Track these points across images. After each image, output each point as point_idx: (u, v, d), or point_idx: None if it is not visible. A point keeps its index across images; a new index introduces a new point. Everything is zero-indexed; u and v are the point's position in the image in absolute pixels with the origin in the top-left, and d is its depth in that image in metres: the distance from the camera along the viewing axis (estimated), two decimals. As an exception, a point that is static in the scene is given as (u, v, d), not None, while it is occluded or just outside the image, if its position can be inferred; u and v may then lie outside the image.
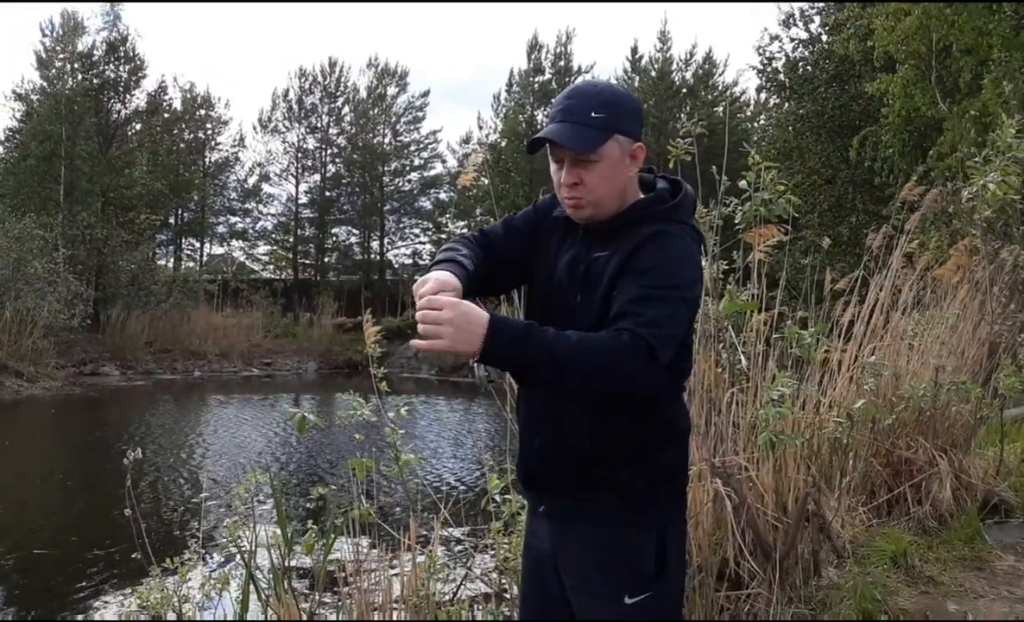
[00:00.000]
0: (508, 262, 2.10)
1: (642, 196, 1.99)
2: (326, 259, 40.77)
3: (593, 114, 1.86)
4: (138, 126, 32.96)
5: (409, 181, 41.13)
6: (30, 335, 21.56)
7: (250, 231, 40.37)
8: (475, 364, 1.84)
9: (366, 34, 65.33)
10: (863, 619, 3.44)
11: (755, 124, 35.00)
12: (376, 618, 3.40)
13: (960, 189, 5.68)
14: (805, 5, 22.87)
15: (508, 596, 3.74)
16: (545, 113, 36.80)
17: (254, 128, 47.64)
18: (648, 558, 1.92)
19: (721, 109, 32.99)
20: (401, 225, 41.86)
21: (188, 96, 37.14)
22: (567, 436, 1.94)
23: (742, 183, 3.59)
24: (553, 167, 1.94)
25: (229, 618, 3.51)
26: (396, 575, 3.63)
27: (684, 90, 37.85)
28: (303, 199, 39.92)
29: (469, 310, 1.69)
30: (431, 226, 41.69)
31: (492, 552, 3.89)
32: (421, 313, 1.71)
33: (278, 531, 3.45)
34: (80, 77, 29.89)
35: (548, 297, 2.01)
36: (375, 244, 41.38)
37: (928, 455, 4.79)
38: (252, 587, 3.43)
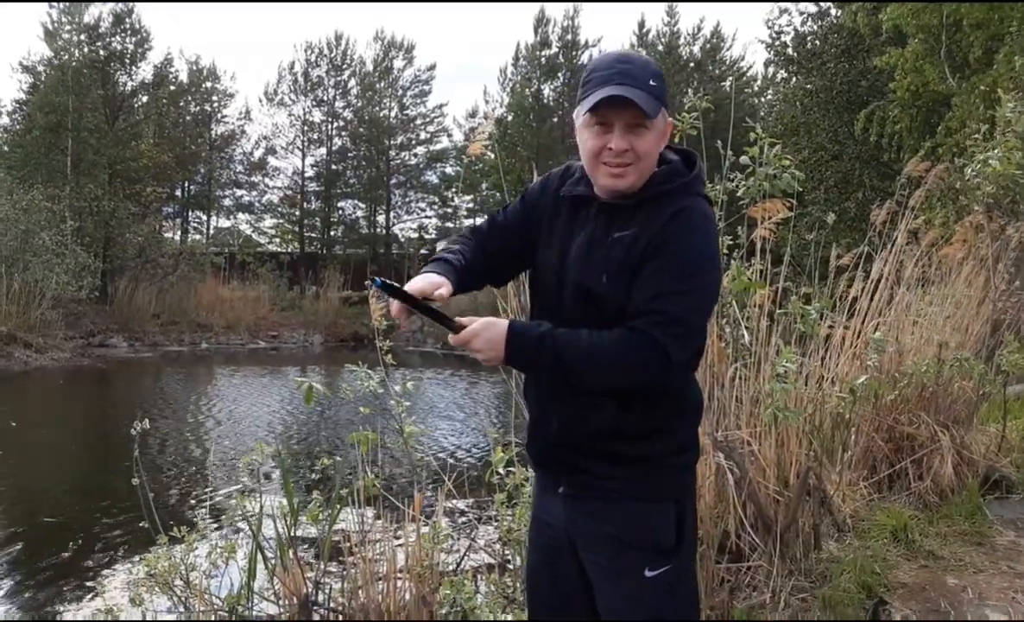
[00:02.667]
0: (503, 254, 2.13)
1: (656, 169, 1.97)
2: (332, 232, 40.76)
3: (651, 82, 1.86)
4: (144, 98, 32.79)
5: (415, 155, 41.04)
6: (38, 306, 21.64)
7: (256, 204, 40.35)
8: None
9: (373, 8, 64.93)
10: (863, 592, 3.47)
11: (762, 99, 34.75)
12: (380, 587, 3.44)
13: (966, 165, 5.67)
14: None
15: (511, 567, 3.78)
16: (553, 87, 36.64)
17: (260, 101, 47.62)
18: (668, 531, 1.94)
19: (728, 84, 32.76)
20: (407, 199, 41.78)
21: (194, 68, 37.00)
22: (584, 413, 1.94)
23: (743, 159, 3.59)
24: (592, 132, 1.90)
25: (235, 586, 3.55)
26: (400, 546, 3.66)
27: (691, 64, 37.59)
28: (309, 172, 39.89)
29: (491, 325, 1.83)
30: (437, 200, 41.64)
31: (496, 523, 3.93)
32: (457, 341, 1.85)
33: (284, 501, 3.49)
34: (86, 49, 29.76)
35: (560, 278, 1.99)
36: (381, 218, 41.35)
37: (930, 431, 4.81)
38: (258, 556, 3.47)
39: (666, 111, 1.91)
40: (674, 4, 38.15)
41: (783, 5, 22.72)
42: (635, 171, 1.89)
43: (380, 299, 1.88)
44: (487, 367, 2.03)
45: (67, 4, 29.43)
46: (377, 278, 1.83)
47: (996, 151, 4.71)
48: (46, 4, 30.95)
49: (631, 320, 1.81)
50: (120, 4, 30.34)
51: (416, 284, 1.88)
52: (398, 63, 40.10)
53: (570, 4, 40.50)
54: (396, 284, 1.84)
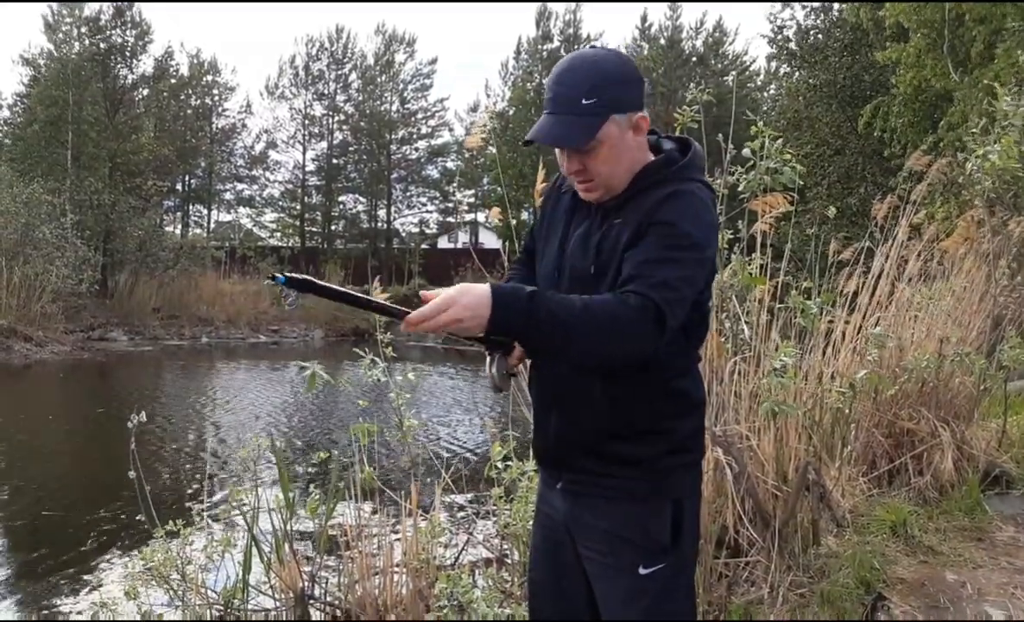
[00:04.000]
0: None
1: (652, 158, 1.93)
2: (333, 227, 40.79)
3: (584, 101, 1.78)
4: (145, 91, 32.86)
5: (416, 149, 41.08)
6: (39, 300, 21.68)
7: (257, 198, 40.42)
8: (487, 360, 1.91)
9: (375, 7, 64.88)
10: (861, 587, 3.46)
11: (765, 93, 34.74)
12: (377, 581, 3.43)
13: (967, 160, 5.65)
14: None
15: (509, 561, 3.77)
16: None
17: (261, 95, 47.59)
18: (663, 530, 1.92)
19: (730, 78, 32.73)
20: (408, 193, 41.85)
21: (195, 62, 37.06)
22: (582, 412, 1.93)
23: (745, 151, 3.57)
24: (556, 151, 1.90)
25: (232, 580, 3.54)
26: (398, 539, 3.66)
27: (694, 59, 37.58)
28: (310, 166, 39.95)
29: (467, 290, 1.67)
30: (438, 195, 41.64)
31: (494, 518, 3.92)
32: (427, 319, 1.68)
33: (281, 495, 3.48)
34: (87, 42, 29.79)
35: (560, 270, 1.98)
36: (382, 212, 41.38)
37: (930, 426, 4.79)
38: (255, 550, 3.46)
39: (619, 115, 1.82)
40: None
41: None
42: (600, 185, 1.87)
43: (287, 297, 1.62)
44: (498, 391, 1.99)
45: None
46: (279, 275, 1.63)
47: (995, 145, 4.69)
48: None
49: (622, 285, 1.75)
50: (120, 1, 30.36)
51: None
52: (399, 57, 40.16)
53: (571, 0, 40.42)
54: (307, 277, 1.66)
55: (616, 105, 1.81)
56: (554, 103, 1.81)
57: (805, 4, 22.44)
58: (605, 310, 1.69)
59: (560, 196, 2.06)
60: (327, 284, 1.70)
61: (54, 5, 29.81)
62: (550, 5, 37.44)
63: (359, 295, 1.75)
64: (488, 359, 1.94)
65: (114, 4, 30.14)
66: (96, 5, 29.92)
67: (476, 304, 1.66)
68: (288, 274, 1.63)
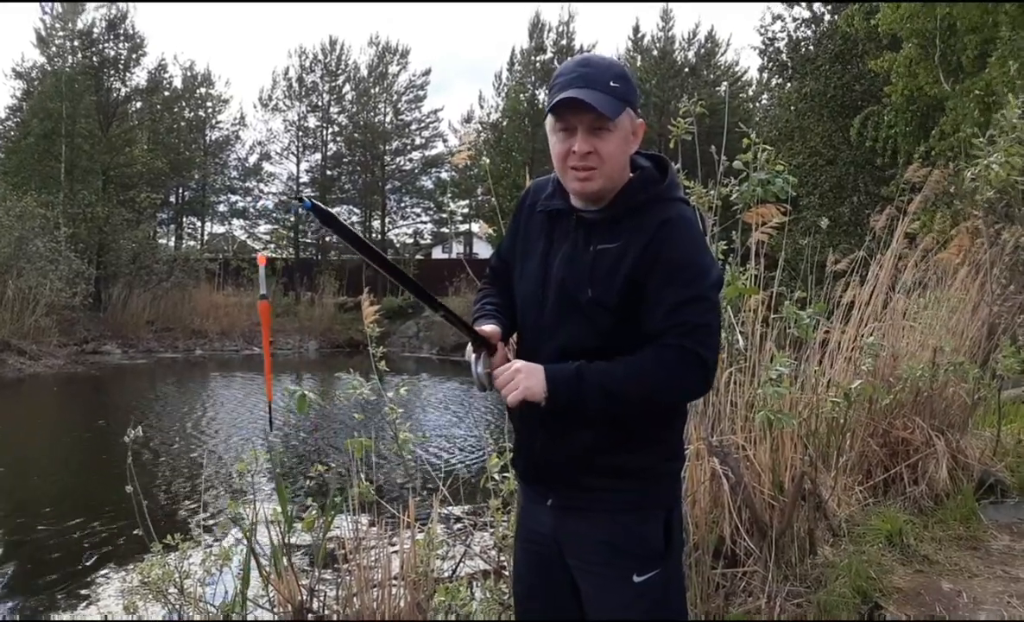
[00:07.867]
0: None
1: (631, 175, 1.97)
2: (327, 238, 40.68)
3: (612, 83, 1.85)
4: (138, 104, 32.85)
5: (411, 160, 41.03)
6: (32, 313, 21.62)
7: (251, 210, 40.23)
8: (472, 360, 1.95)
9: (369, 10, 65.05)
10: (858, 597, 3.47)
11: (757, 104, 34.85)
12: (375, 594, 3.43)
13: (963, 169, 5.67)
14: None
15: (507, 573, 3.77)
16: (547, 93, 36.63)
17: (254, 106, 47.54)
18: (656, 537, 1.95)
19: (723, 89, 32.81)
20: (402, 204, 41.79)
21: (188, 74, 36.99)
22: (571, 427, 1.93)
23: (736, 163, 3.59)
24: (557, 137, 1.91)
25: (230, 594, 3.54)
26: (395, 552, 3.65)
27: (686, 69, 37.68)
28: (304, 178, 39.81)
29: (526, 363, 1.88)
30: (432, 206, 41.62)
31: (491, 530, 3.91)
32: (500, 379, 1.90)
33: (278, 509, 3.48)
34: (80, 55, 29.76)
35: (544, 291, 1.98)
36: (376, 223, 41.33)
37: (925, 435, 4.81)
38: (252, 563, 3.45)
39: (633, 112, 1.90)
40: (668, 6, 38.26)
41: (776, 11, 22.79)
42: (601, 174, 1.88)
43: (308, 223, 1.61)
44: (481, 390, 2.00)
45: (60, 11, 29.44)
46: (307, 199, 1.66)
47: (998, 155, 4.71)
48: (39, 11, 30.94)
49: (656, 338, 1.82)
50: (114, 10, 30.37)
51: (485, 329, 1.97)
52: (392, 68, 40.16)
53: (564, 9, 40.47)
54: (331, 211, 1.70)
55: (632, 101, 1.90)
56: (583, 80, 1.86)
57: (796, 17, 22.54)
58: (647, 369, 1.82)
59: (533, 214, 2.07)
60: (350, 227, 1.79)
61: (47, 18, 29.82)
62: (543, 16, 37.48)
63: (380, 252, 1.83)
64: (473, 358, 1.96)
65: (106, 17, 30.13)
66: (90, 17, 29.96)
67: (535, 368, 1.87)
68: (315, 201, 1.67)
